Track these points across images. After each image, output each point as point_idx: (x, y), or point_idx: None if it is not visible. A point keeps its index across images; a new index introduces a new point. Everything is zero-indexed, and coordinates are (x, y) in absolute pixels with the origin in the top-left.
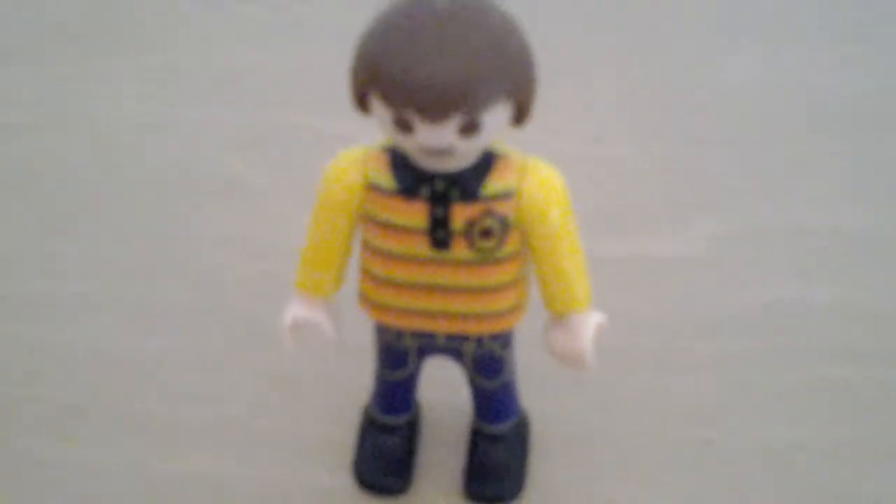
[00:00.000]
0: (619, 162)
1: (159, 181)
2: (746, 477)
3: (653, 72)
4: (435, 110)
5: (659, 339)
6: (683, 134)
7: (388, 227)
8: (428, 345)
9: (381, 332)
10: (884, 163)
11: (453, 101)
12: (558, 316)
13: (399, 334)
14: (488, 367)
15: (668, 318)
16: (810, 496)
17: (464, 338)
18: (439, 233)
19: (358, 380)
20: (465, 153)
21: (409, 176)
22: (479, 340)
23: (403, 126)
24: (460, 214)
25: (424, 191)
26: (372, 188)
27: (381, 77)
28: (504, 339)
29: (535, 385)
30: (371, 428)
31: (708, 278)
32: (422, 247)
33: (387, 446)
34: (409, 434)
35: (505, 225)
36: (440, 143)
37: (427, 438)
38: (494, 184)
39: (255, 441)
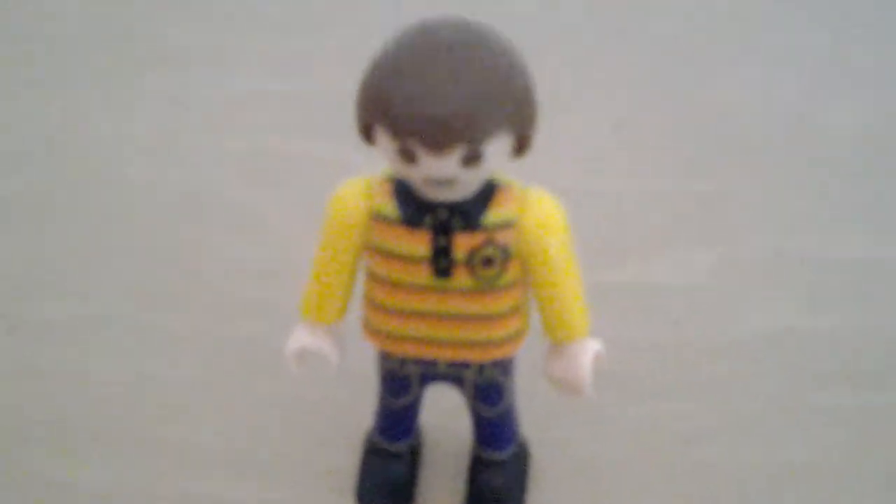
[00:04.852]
0: (620, 191)
1: (167, 207)
2: (746, 502)
3: (650, 101)
4: (438, 142)
5: (657, 366)
6: (684, 163)
7: (391, 255)
8: (430, 372)
9: (384, 359)
10: (882, 193)
11: (456, 133)
12: (557, 344)
13: (402, 361)
14: (489, 394)
15: (667, 344)
16: None
17: (465, 365)
18: (442, 261)
19: (361, 406)
20: (467, 183)
21: (412, 206)
22: (480, 367)
23: (408, 157)
24: (462, 243)
25: (428, 220)
26: (376, 217)
27: (386, 110)
28: (504, 367)
29: (534, 412)
30: (373, 454)
31: (707, 306)
32: (424, 275)
33: (389, 472)
34: (411, 460)
35: (506, 254)
36: (443, 174)
37: (428, 464)
38: (496, 213)
39: (258, 467)
